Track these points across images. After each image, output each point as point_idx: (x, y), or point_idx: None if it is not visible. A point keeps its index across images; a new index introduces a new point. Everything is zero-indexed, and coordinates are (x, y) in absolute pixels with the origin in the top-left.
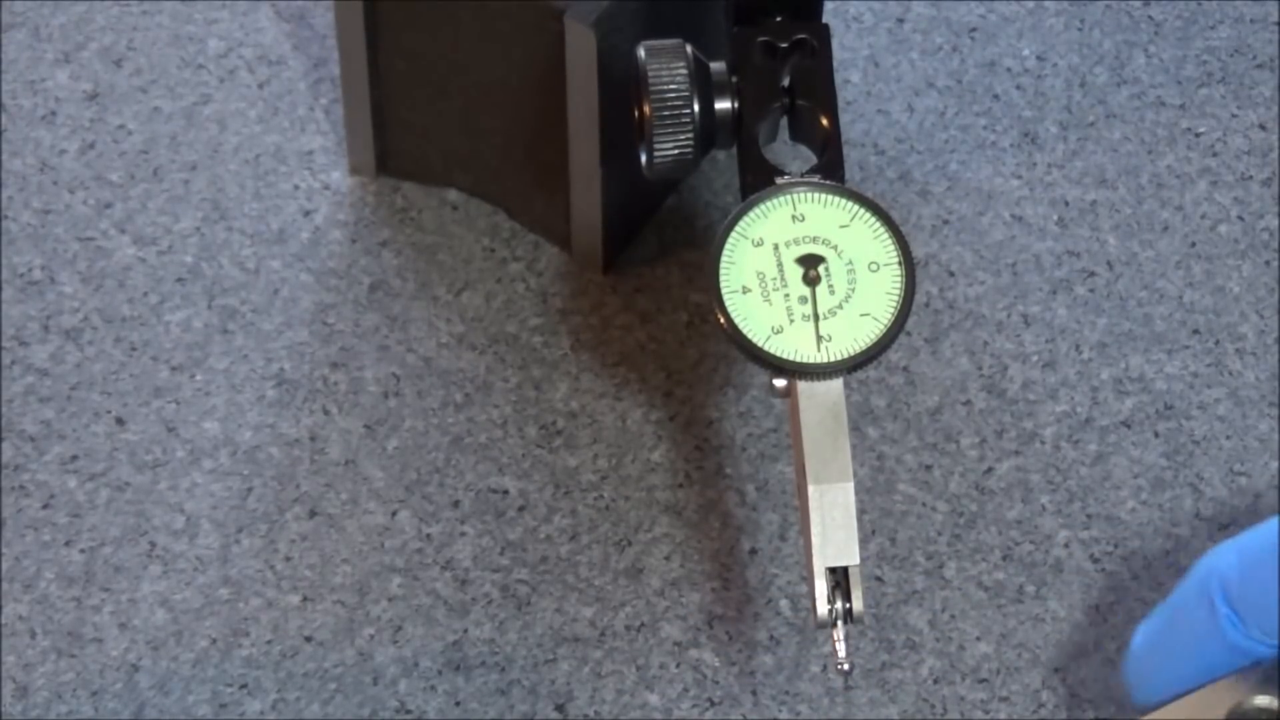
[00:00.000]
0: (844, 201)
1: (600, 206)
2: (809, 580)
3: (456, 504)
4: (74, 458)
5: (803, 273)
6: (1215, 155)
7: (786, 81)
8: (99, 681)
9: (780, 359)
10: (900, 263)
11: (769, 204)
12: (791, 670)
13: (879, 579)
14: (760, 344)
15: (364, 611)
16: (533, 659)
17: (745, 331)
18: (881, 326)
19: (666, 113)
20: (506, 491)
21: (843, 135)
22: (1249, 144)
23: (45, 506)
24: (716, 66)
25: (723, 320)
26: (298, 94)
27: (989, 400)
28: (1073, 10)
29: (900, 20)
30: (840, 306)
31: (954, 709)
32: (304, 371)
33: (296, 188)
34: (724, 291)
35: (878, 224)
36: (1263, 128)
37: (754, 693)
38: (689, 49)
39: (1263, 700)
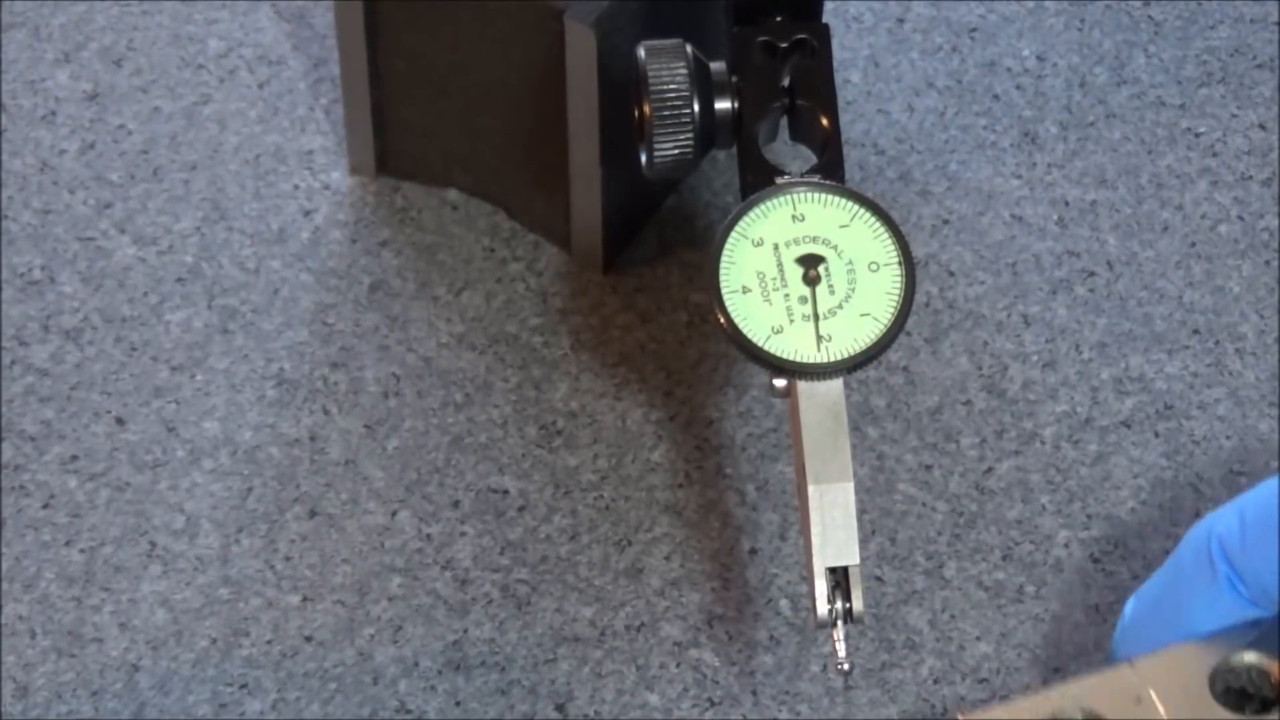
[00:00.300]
0: (844, 201)
1: (600, 206)
2: (809, 580)
3: (456, 504)
4: (74, 458)
5: (803, 273)
6: (1215, 155)
7: (786, 81)
8: (99, 681)
9: (780, 359)
10: (900, 263)
11: (769, 204)
12: (791, 670)
13: (879, 579)
14: (760, 344)
15: (364, 611)
16: (533, 659)
17: (745, 331)
18: (881, 326)
19: (666, 113)
20: (506, 491)
21: (843, 135)
22: (1249, 144)
23: (45, 506)
24: (716, 66)
25: (723, 320)
26: (298, 94)
27: (989, 400)
28: (1073, 10)
29: (900, 20)
30: (840, 306)
31: (954, 709)
32: (304, 371)
33: (296, 188)
34: (724, 291)
35: (878, 224)
36: (1263, 128)
37: (754, 693)
38: (689, 49)
39: (1251, 657)
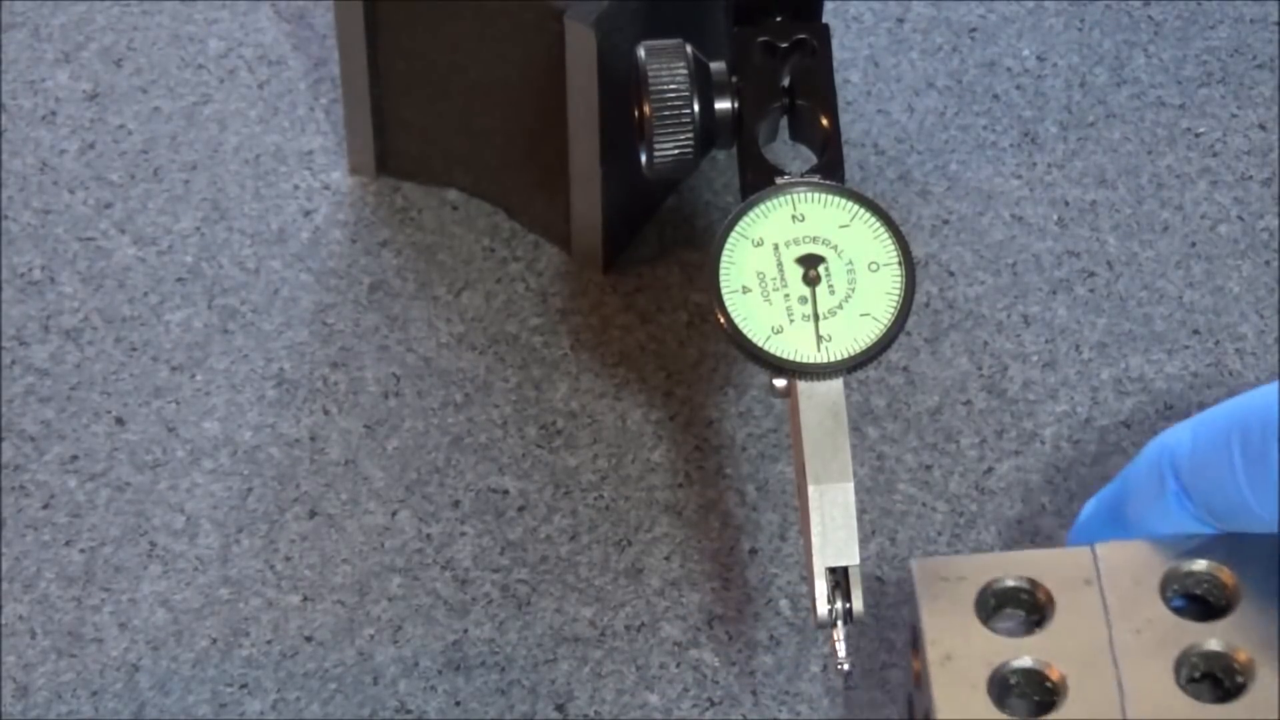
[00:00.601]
0: (844, 201)
1: (600, 206)
2: (809, 580)
3: (456, 504)
4: (74, 458)
5: (803, 273)
6: (1215, 155)
7: (786, 81)
8: (99, 681)
9: (780, 359)
10: (900, 263)
11: (769, 204)
12: (791, 670)
13: (879, 579)
14: (760, 344)
15: (364, 611)
16: (533, 659)
17: (745, 331)
18: (881, 326)
19: (666, 113)
20: (506, 491)
21: (843, 135)
22: (1249, 144)
23: (45, 506)
24: (716, 66)
25: (723, 320)
26: (298, 94)
27: (989, 400)
28: (1073, 10)
29: (900, 20)
30: (840, 306)
31: None
32: (304, 371)
33: (296, 188)
34: (724, 291)
35: (878, 224)
36: (1263, 128)
37: (754, 693)
38: (689, 49)
39: (1203, 563)
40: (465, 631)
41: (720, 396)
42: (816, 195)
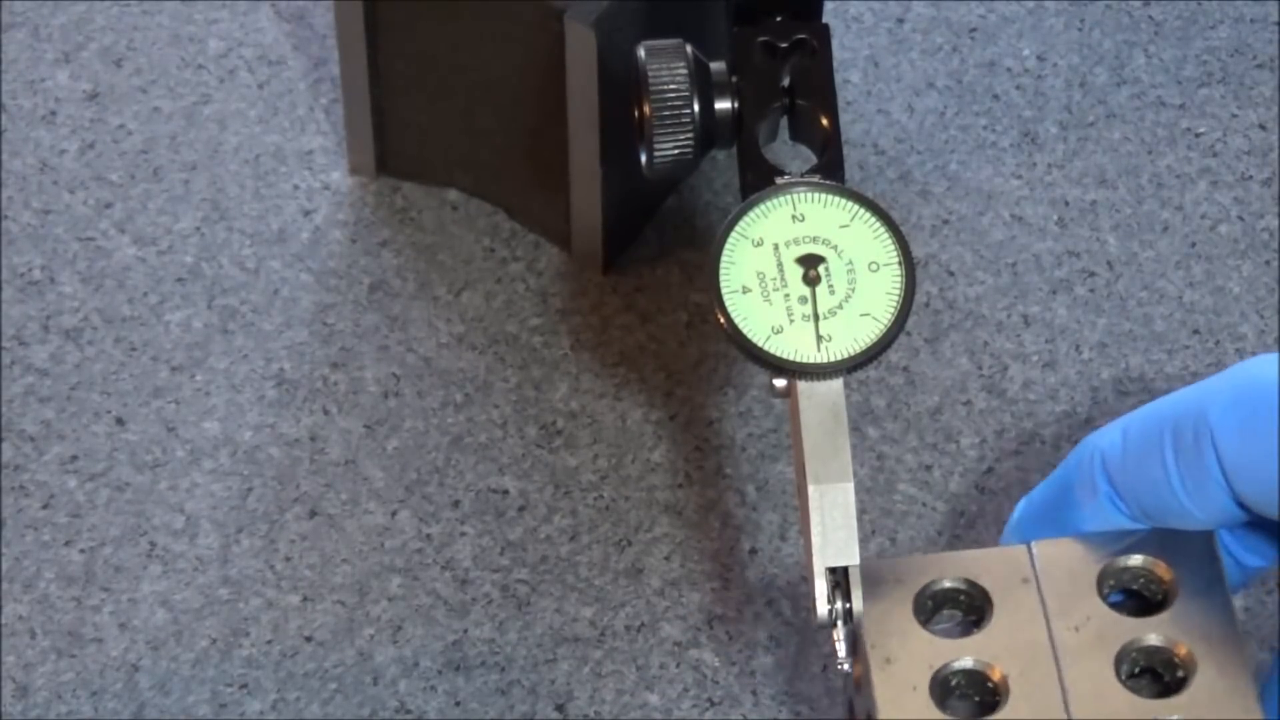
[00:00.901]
0: (844, 201)
1: (600, 206)
2: (809, 580)
3: (456, 504)
4: (74, 458)
5: (803, 273)
6: (1215, 155)
7: (786, 81)
8: (99, 681)
9: (780, 359)
10: (900, 263)
11: (769, 204)
12: (791, 670)
13: None
14: (760, 344)
15: (364, 611)
16: (533, 659)
17: (745, 331)
18: (881, 326)
19: (666, 113)
20: (506, 491)
21: (843, 135)
22: (1249, 144)
23: (45, 506)
24: (716, 66)
25: (723, 320)
26: (298, 94)
27: (989, 400)
28: (1073, 10)
29: (900, 20)
30: (840, 306)
31: None
32: (304, 371)
33: (296, 188)
34: (724, 291)
35: (878, 224)
36: (1263, 128)
37: (754, 693)
38: (689, 49)
39: (1138, 559)
40: (465, 631)
41: (720, 396)
42: (816, 195)
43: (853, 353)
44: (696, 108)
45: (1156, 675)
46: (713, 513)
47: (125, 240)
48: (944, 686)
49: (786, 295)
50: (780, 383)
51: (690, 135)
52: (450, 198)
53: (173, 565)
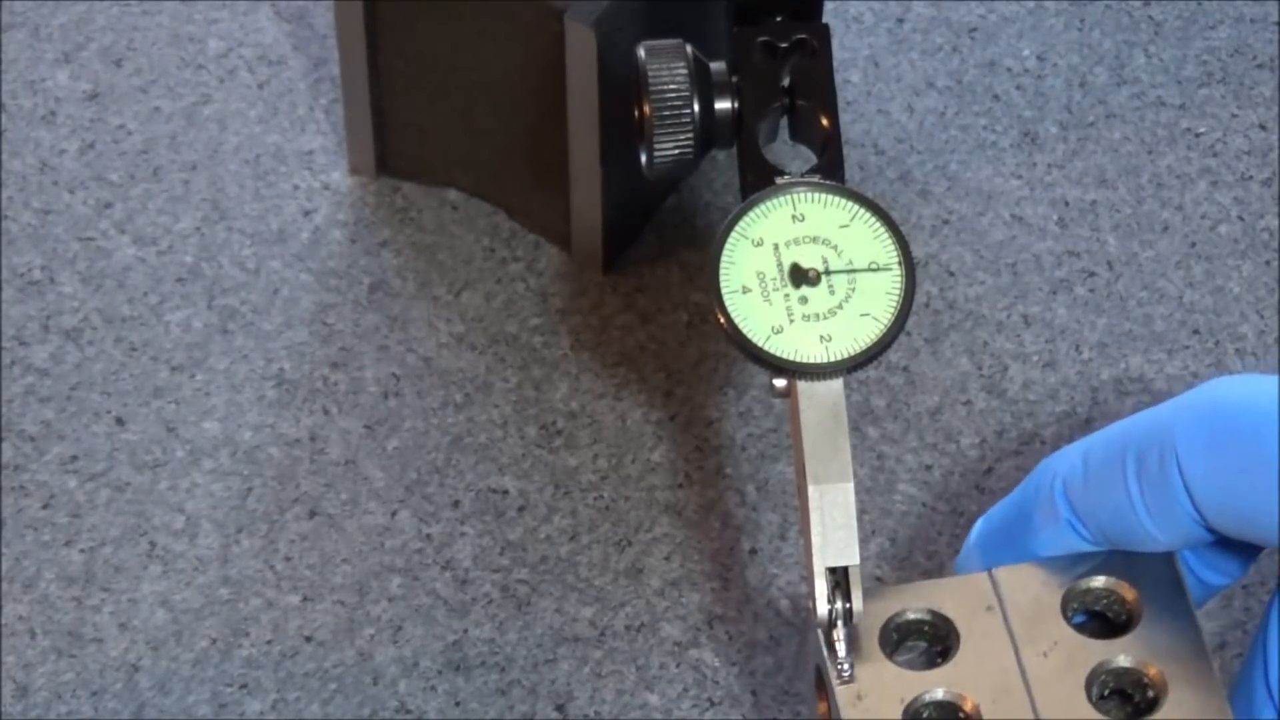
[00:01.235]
0: (844, 201)
1: (600, 206)
2: (809, 580)
3: (456, 504)
4: (74, 458)
5: (803, 273)
6: (1215, 155)
7: (786, 81)
8: (99, 681)
9: (780, 359)
10: (900, 263)
11: (769, 204)
12: (791, 670)
13: (879, 579)
14: (760, 344)
15: (364, 611)
16: (533, 659)
17: (745, 331)
18: (881, 326)
19: (666, 113)
20: (506, 491)
21: (843, 135)
22: (1249, 144)
23: (45, 506)
24: (716, 66)
25: (723, 320)
26: (298, 94)
27: (989, 400)
28: (1073, 10)
29: (900, 20)
30: (840, 306)
31: None
32: (304, 371)
33: (296, 188)
34: (724, 291)
35: (878, 224)
36: (1263, 128)
37: (754, 693)
38: (689, 49)
39: (1101, 580)
40: (465, 631)
41: (720, 396)
42: (816, 195)
43: (853, 353)
44: (696, 108)
45: (1126, 696)
46: (713, 513)
47: (125, 240)
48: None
49: (786, 295)
50: (780, 383)
51: (690, 135)
52: (450, 198)
53: (173, 565)
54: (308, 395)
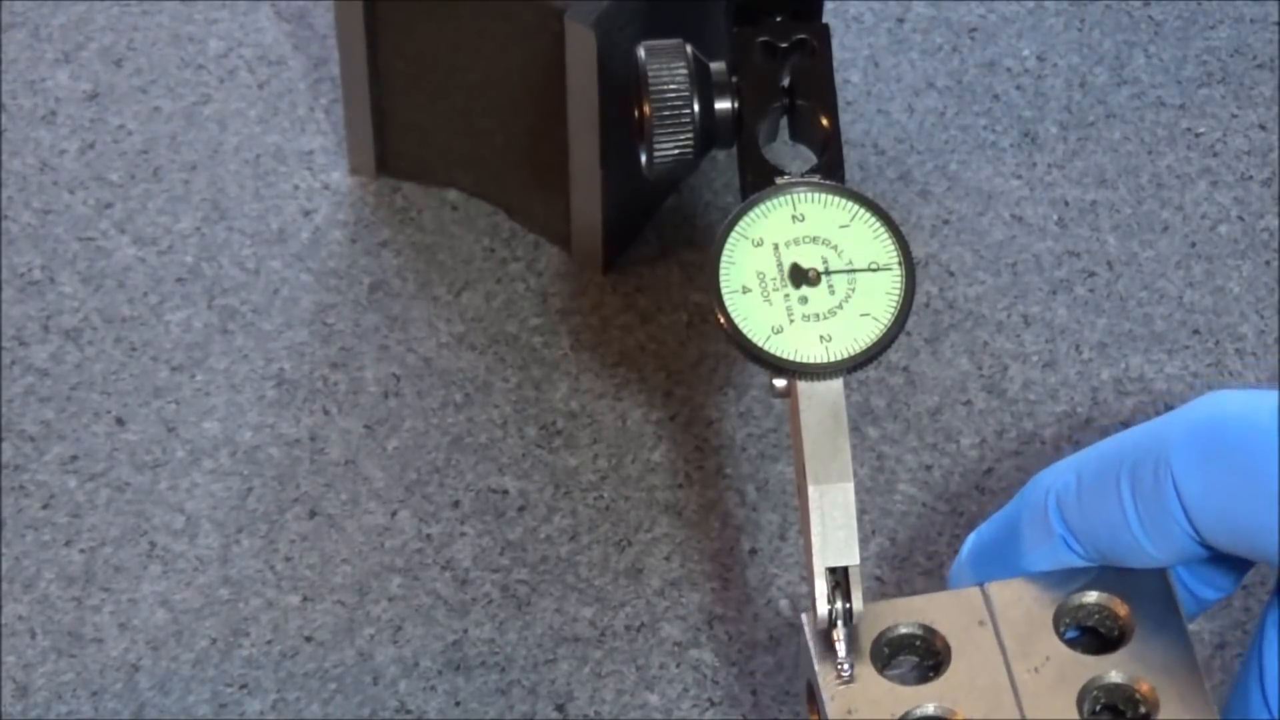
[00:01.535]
0: (844, 201)
1: (600, 206)
2: (809, 580)
3: (456, 504)
4: (74, 458)
5: (803, 273)
6: (1215, 155)
7: (786, 81)
8: (99, 681)
9: (780, 359)
10: (900, 263)
11: (769, 204)
12: (791, 670)
13: (879, 579)
14: (760, 344)
15: (364, 611)
16: (533, 659)
17: (745, 331)
18: (881, 326)
19: (666, 113)
20: (506, 491)
21: (843, 135)
22: (1249, 144)
23: (45, 506)
24: (716, 66)
25: (723, 320)
26: (298, 94)
27: (989, 400)
28: (1073, 10)
29: (900, 20)
30: (840, 306)
31: None
32: (304, 371)
33: (296, 188)
34: (724, 291)
35: (878, 224)
36: (1263, 128)
37: (754, 693)
38: (689, 49)
39: (1093, 595)
40: (465, 631)
41: (720, 396)
42: (816, 195)
43: (853, 353)
44: (696, 108)
45: (1118, 712)
46: (713, 513)
47: (125, 240)
48: None
49: (786, 295)
50: (780, 383)
51: (690, 135)
52: (450, 198)
53: (173, 565)
54: (308, 395)
